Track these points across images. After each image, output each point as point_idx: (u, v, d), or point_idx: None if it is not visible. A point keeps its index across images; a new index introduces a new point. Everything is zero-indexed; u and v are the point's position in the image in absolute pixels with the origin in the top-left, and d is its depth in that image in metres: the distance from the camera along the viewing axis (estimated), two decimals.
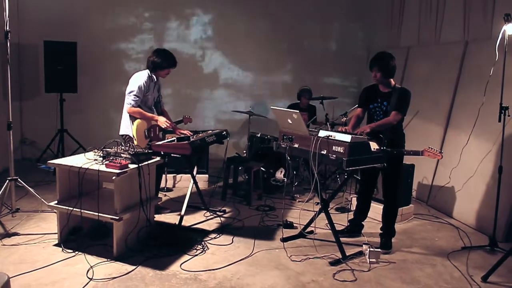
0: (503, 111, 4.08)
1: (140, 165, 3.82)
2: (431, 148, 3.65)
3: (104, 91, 7.21)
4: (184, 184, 5.97)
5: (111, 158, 3.81)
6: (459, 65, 5.50)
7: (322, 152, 3.64)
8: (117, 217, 3.64)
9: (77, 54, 6.62)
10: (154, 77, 4.54)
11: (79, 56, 6.66)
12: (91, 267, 3.47)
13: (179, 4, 7.63)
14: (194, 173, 4.80)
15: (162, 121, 4.48)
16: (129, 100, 4.40)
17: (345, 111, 6.03)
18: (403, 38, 7.04)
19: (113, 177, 3.59)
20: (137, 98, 4.41)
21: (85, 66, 6.90)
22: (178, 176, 6.07)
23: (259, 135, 6.23)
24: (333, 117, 6.34)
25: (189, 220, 4.67)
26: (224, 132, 4.87)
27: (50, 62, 6.44)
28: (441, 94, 5.73)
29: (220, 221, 4.70)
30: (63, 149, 6.69)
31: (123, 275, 3.40)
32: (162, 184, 5.83)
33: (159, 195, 5.38)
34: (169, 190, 5.87)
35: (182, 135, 4.51)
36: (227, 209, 5.12)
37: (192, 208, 5.01)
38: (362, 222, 4.51)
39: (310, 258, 3.86)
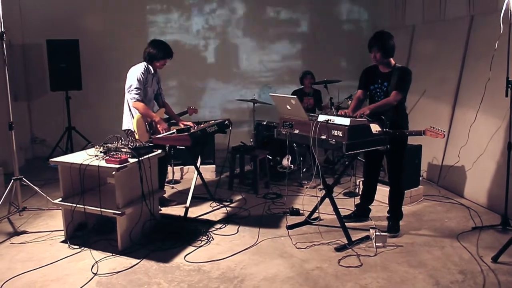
0: (510, 85, 3.94)
1: (140, 159, 3.81)
2: (433, 128, 3.55)
3: (109, 86, 7.21)
4: (191, 175, 5.92)
5: (111, 154, 3.81)
6: (465, 41, 5.34)
7: (322, 137, 3.58)
8: (119, 212, 3.65)
9: (80, 51, 6.63)
10: (151, 69, 4.50)
11: (82, 53, 6.67)
12: (96, 262, 3.50)
13: None
14: (198, 164, 4.78)
15: (160, 129, 4.39)
16: (131, 95, 4.37)
17: (350, 94, 5.93)
18: (408, 17, 6.87)
19: (113, 172, 3.60)
20: (139, 91, 4.38)
21: (89, 63, 6.92)
22: (186, 168, 6.07)
23: (265, 123, 6.18)
24: (338, 101, 6.24)
25: (195, 212, 4.67)
26: (227, 122, 4.82)
27: (53, 61, 6.48)
28: (448, 71, 5.59)
29: (226, 211, 4.68)
30: (72, 146, 6.75)
31: (127, 269, 3.41)
32: (170, 177, 5.85)
33: (166, 187, 5.42)
34: (176, 182, 5.88)
35: (185, 127, 4.48)
36: (234, 199, 5.10)
37: (199, 200, 5.01)
38: (370, 206, 4.44)
39: (315, 245, 3.82)
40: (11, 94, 4.14)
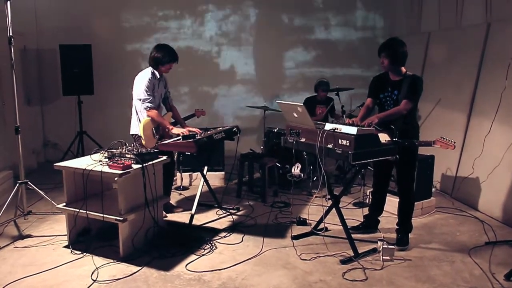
0: None
1: (144, 165, 3.77)
2: (444, 138, 3.43)
3: (120, 91, 7.20)
4: (200, 182, 5.90)
5: (115, 159, 3.79)
6: (481, 49, 5.18)
7: (329, 146, 3.49)
8: (121, 218, 3.61)
9: (92, 56, 6.67)
10: (157, 74, 4.47)
11: (94, 58, 6.71)
12: (97, 268, 3.46)
13: (192, 1, 7.58)
14: (205, 171, 4.72)
15: (175, 133, 4.37)
16: (144, 105, 4.33)
17: (362, 102, 5.81)
18: (424, 24, 6.74)
19: (116, 178, 3.56)
20: (149, 98, 4.36)
21: (101, 68, 6.96)
22: (194, 174, 6.03)
23: (275, 130, 6.09)
24: (350, 109, 6.14)
25: (201, 219, 4.61)
26: (235, 129, 4.76)
27: (66, 65, 6.52)
28: (463, 80, 5.43)
29: (232, 219, 4.61)
30: (83, 150, 6.77)
31: (127, 276, 3.37)
32: (178, 183, 5.82)
33: (174, 194, 5.39)
34: (185, 188, 5.84)
35: (191, 133, 4.43)
36: (241, 207, 5.03)
37: (205, 207, 4.96)
38: (379, 217, 4.32)
39: (320, 257, 3.72)
40: (22, 98, 4.17)
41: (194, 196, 4.64)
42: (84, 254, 3.73)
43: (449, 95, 5.66)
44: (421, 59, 6.41)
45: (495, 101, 4.60)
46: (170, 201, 4.87)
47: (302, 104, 3.65)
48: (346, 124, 3.60)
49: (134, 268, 3.49)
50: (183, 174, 5.90)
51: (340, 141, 3.40)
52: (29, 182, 4.36)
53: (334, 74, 7.79)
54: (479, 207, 4.87)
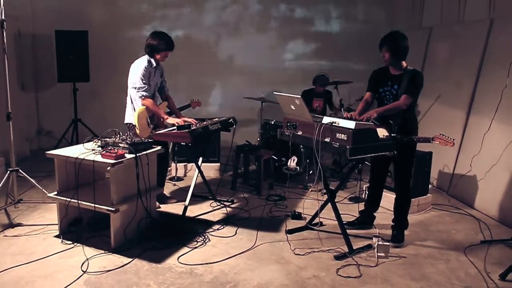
0: None
1: (137, 155, 3.70)
2: (442, 135, 3.37)
3: (117, 79, 7.05)
4: (195, 173, 5.84)
5: (109, 148, 3.72)
6: (483, 45, 5.11)
7: (326, 139, 3.42)
8: (113, 209, 3.54)
9: (89, 42, 6.56)
10: (153, 62, 4.38)
11: (91, 45, 6.60)
12: (87, 259, 3.40)
13: None
14: (200, 162, 4.65)
15: (170, 123, 4.30)
16: (139, 94, 4.26)
17: (361, 96, 5.74)
18: (425, 18, 6.65)
19: (108, 168, 3.49)
20: (145, 86, 4.28)
21: (97, 55, 6.84)
22: (189, 165, 5.96)
23: (273, 122, 6.02)
24: (349, 103, 6.07)
25: (194, 211, 4.56)
26: (231, 120, 4.68)
27: (61, 52, 6.41)
28: (464, 76, 5.36)
29: (226, 212, 4.55)
30: (77, 138, 6.69)
31: (118, 268, 3.31)
32: (173, 173, 5.75)
33: (168, 184, 5.32)
34: (179, 179, 5.77)
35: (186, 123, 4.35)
36: (235, 199, 4.97)
37: (200, 198, 4.90)
38: (374, 213, 4.27)
39: (314, 252, 3.67)
40: (15, 84, 4.06)
41: (188, 187, 4.58)
42: (75, 244, 3.67)
43: (448, 91, 5.59)
44: (421, 54, 6.33)
45: (495, 99, 4.54)
46: (164, 192, 4.82)
47: (300, 96, 3.57)
48: (344, 118, 3.54)
49: (125, 260, 3.43)
50: (178, 164, 5.83)
51: (337, 135, 3.33)
52: (20, 170, 4.28)
53: (333, 67, 7.70)
54: (475, 205, 4.83)
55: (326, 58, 7.78)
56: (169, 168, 5.55)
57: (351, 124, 3.28)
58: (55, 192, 3.84)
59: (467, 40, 5.45)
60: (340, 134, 3.31)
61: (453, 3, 5.86)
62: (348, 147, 3.23)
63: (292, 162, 5.64)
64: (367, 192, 4.32)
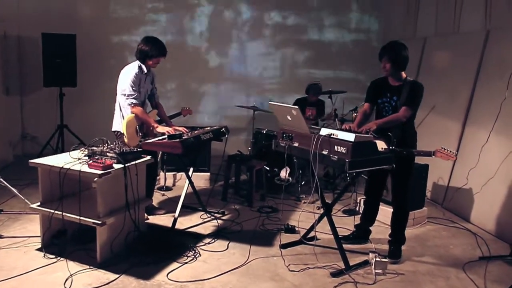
0: None
1: (126, 165, 3.53)
2: (444, 149, 3.27)
3: (105, 85, 6.90)
4: (184, 183, 5.67)
5: (96, 158, 3.54)
6: (479, 56, 5.06)
7: (324, 152, 3.30)
8: (99, 222, 3.37)
9: (76, 46, 6.38)
10: (145, 68, 4.22)
11: (79, 49, 6.41)
12: (71, 275, 3.22)
13: None
14: (190, 173, 4.49)
15: (160, 131, 4.13)
16: (128, 101, 4.10)
17: (355, 106, 5.65)
18: (420, 28, 6.61)
19: (95, 179, 3.32)
20: (135, 94, 4.12)
21: (85, 59, 6.66)
22: (178, 174, 5.79)
23: (264, 132, 5.89)
24: (342, 113, 5.97)
25: (184, 223, 4.39)
26: (223, 129, 4.54)
27: (48, 55, 6.22)
28: (459, 87, 5.31)
29: (217, 224, 4.39)
30: (63, 145, 6.48)
31: (103, 285, 3.13)
32: (161, 183, 5.58)
33: (157, 194, 5.14)
34: (168, 189, 5.60)
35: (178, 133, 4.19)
36: (226, 211, 4.81)
37: (189, 210, 4.73)
38: (370, 228, 4.15)
39: (310, 268, 3.53)
40: (4, 89, 3.86)
41: (178, 197, 4.42)
42: (58, 258, 3.48)
43: (443, 102, 5.53)
44: (415, 64, 6.27)
45: (492, 111, 4.47)
46: (152, 203, 4.64)
47: (297, 107, 3.44)
48: (342, 130, 3.42)
49: (112, 276, 3.25)
50: (167, 174, 5.66)
51: (336, 147, 3.21)
52: (0, 179, 4.07)
53: (326, 76, 7.63)
54: (471, 219, 4.75)
55: (319, 66, 7.70)
56: (157, 177, 5.37)
57: (350, 137, 3.16)
58: (38, 203, 3.65)
59: (462, 51, 5.40)
60: (339, 147, 3.19)
61: (448, 14, 5.82)
62: (347, 160, 3.10)
63: (284, 173, 5.50)
64: (363, 206, 4.19)
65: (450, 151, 3.26)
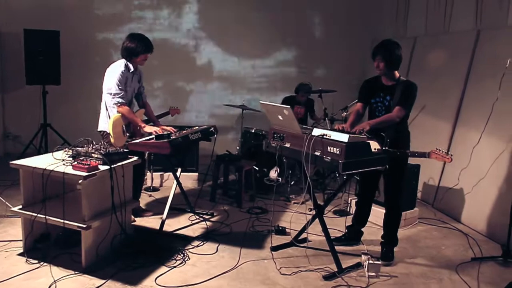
0: None
1: (112, 166, 3.41)
2: (439, 150, 3.22)
3: (89, 83, 6.74)
4: (172, 183, 5.51)
5: (80, 159, 3.42)
6: (470, 56, 5.04)
7: (316, 153, 3.22)
8: (84, 225, 3.24)
9: (60, 43, 6.20)
10: (131, 66, 4.10)
11: (62, 46, 6.24)
12: (55, 281, 3.09)
13: None
14: (178, 173, 4.38)
15: (147, 131, 4.02)
16: (114, 100, 3.98)
17: (345, 105, 5.59)
18: (410, 28, 6.58)
19: (80, 181, 3.19)
20: (121, 93, 3.99)
21: (69, 56, 6.49)
22: (166, 174, 5.67)
23: (253, 131, 5.80)
24: (332, 112, 5.90)
25: (172, 225, 4.28)
26: (212, 129, 4.44)
27: (31, 52, 6.03)
28: (450, 87, 5.28)
29: (206, 226, 4.29)
30: (46, 144, 6.30)
31: None
32: (148, 183, 5.46)
33: (144, 195, 5.02)
34: (155, 189, 5.47)
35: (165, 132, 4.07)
36: (215, 212, 4.71)
37: (177, 211, 4.62)
38: (362, 229, 4.09)
39: (301, 271, 3.45)
40: None
41: (165, 198, 4.31)
42: (41, 263, 3.34)
43: (434, 102, 5.50)
44: (405, 64, 6.23)
45: (483, 111, 4.45)
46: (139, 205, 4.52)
47: (289, 106, 3.36)
48: (335, 130, 3.35)
49: (97, 282, 3.13)
50: (153, 174, 5.53)
51: (329, 148, 3.14)
52: None
53: (315, 75, 7.58)
54: (462, 219, 4.73)
55: (308, 65, 7.64)
56: (144, 178, 5.24)
57: (344, 137, 3.09)
58: (20, 206, 3.51)
59: (453, 50, 5.38)
60: (332, 148, 3.12)
61: (438, 13, 5.79)
62: (340, 161, 3.03)
63: (274, 173, 5.42)
64: (355, 207, 4.13)
65: (445, 152, 3.21)
